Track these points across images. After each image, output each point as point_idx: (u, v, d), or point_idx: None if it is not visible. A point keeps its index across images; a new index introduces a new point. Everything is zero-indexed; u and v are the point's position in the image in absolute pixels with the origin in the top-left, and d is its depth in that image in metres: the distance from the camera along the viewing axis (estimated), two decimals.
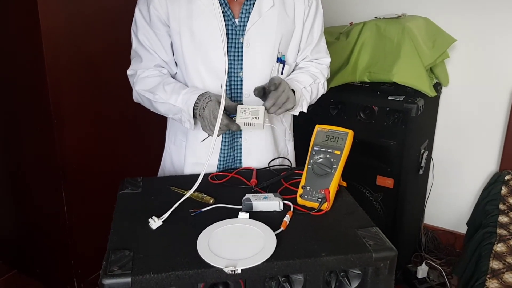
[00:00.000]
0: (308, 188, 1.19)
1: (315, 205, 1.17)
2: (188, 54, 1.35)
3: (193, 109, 1.29)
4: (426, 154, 2.34)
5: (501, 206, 2.31)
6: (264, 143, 1.46)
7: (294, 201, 1.20)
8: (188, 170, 1.45)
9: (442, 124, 2.60)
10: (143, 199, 1.24)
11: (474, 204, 2.67)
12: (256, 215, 1.14)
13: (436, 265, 2.56)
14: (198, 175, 1.39)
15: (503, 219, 2.21)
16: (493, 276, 1.85)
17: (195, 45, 1.33)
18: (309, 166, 1.21)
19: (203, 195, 1.22)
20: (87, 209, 2.25)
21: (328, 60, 1.57)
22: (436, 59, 2.14)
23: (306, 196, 1.19)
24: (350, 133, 1.22)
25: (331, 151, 1.20)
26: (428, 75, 2.13)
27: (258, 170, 1.40)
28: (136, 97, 1.44)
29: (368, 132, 2.25)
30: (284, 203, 1.18)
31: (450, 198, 2.72)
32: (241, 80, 1.38)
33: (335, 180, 1.18)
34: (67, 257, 2.25)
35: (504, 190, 2.38)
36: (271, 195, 1.19)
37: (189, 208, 1.17)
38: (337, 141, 1.22)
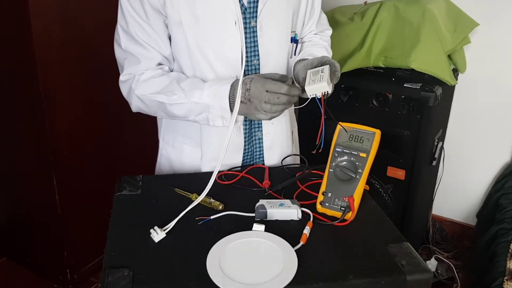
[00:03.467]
0: (329, 194, 1.06)
1: (337, 214, 1.04)
2: (194, 45, 1.17)
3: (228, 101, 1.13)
4: (440, 145, 2.21)
5: None
6: (285, 135, 1.34)
7: (311, 207, 1.07)
8: (207, 169, 1.31)
9: (455, 112, 2.46)
10: (143, 202, 1.11)
11: (484, 196, 2.57)
12: (270, 224, 1.01)
13: (444, 259, 2.46)
14: (205, 173, 1.26)
15: None
16: (510, 277, 1.75)
17: (201, 33, 1.16)
18: (330, 170, 1.08)
19: (211, 199, 1.09)
20: (81, 199, 2.13)
21: (330, 32, 1.47)
22: (457, 45, 1.99)
23: (327, 204, 1.06)
24: (378, 133, 1.09)
25: (356, 153, 1.07)
26: (448, 62, 1.98)
27: (270, 168, 1.27)
28: (137, 105, 1.22)
29: (380, 120, 2.11)
30: (302, 211, 1.05)
31: (459, 188, 2.61)
32: (256, 69, 1.23)
33: (360, 187, 1.05)
34: (60, 248, 2.14)
35: None
36: (288, 201, 1.06)
37: (195, 215, 1.04)
38: (362, 142, 1.08)
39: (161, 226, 0.98)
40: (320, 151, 1.10)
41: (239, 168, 1.29)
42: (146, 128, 2.35)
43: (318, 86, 1.07)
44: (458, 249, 2.58)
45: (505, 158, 2.44)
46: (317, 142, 1.09)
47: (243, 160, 1.31)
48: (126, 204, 1.09)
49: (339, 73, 1.11)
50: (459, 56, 2.15)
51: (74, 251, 2.16)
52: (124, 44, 1.20)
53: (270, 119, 1.13)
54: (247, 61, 1.21)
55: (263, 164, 1.33)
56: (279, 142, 1.33)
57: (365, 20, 2.03)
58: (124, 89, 1.24)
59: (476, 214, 2.60)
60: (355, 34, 2.07)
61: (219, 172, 1.23)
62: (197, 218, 1.03)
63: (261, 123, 1.28)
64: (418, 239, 2.57)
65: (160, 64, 1.21)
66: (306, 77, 1.10)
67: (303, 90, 1.12)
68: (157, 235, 0.95)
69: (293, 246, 0.93)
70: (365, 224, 1.04)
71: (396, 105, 2.06)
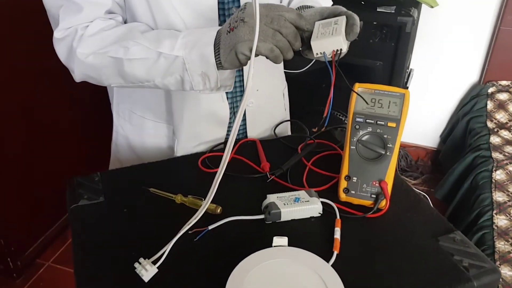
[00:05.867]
0: (354, 179, 0.84)
1: (366, 202, 0.83)
2: None
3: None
4: (412, 73, 2.04)
5: (489, 124, 2.12)
6: (274, 102, 1.09)
7: (330, 195, 0.85)
8: (182, 152, 1.04)
9: (421, 30, 2.27)
10: (112, 215, 0.83)
11: (449, 118, 2.48)
12: (284, 228, 0.79)
13: (414, 189, 2.39)
14: (180, 158, 1.00)
15: (494, 139, 2.03)
16: (499, 211, 1.68)
17: None
18: (351, 147, 0.85)
19: (204, 200, 0.83)
20: (9, 178, 1.77)
21: None
22: None
23: (353, 192, 0.84)
24: (407, 94, 0.86)
25: (383, 122, 0.84)
26: None
27: (262, 142, 1.02)
28: (82, 71, 0.86)
29: (348, 51, 1.88)
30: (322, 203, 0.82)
31: (422, 111, 2.50)
32: None
33: (393, 166, 0.83)
34: None
35: (490, 105, 2.18)
36: (303, 193, 0.83)
37: (186, 224, 0.78)
38: (389, 107, 0.85)
39: (146, 256, 0.72)
40: (323, 129, 0.85)
41: (222, 146, 1.03)
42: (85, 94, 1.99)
43: (330, 41, 0.80)
44: (425, 174, 2.52)
45: (473, 78, 2.33)
46: (324, 114, 0.84)
47: (226, 135, 1.04)
48: (88, 221, 0.81)
49: (358, 27, 0.82)
50: None
51: (11, 236, 1.84)
52: None
53: (270, 53, 0.76)
54: (223, 8, 0.91)
55: (246, 138, 1.07)
56: (266, 112, 1.08)
57: None
58: (61, 49, 0.86)
59: (441, 136, 2.52)
60: None
61: (202, 154, 0.97)
62: (191, 232, 0.78)
63: (244, 91, 1.00)
64: None
65: (111, 12, 0.87)
66: (313, 29, 0.82)
67: (307, 47, 0.84)
68: (146, 271, 0.69)
69: (326, 259, 0.71)
70: (401, 211, 0.84)
71: (367, 32, 1.83)
